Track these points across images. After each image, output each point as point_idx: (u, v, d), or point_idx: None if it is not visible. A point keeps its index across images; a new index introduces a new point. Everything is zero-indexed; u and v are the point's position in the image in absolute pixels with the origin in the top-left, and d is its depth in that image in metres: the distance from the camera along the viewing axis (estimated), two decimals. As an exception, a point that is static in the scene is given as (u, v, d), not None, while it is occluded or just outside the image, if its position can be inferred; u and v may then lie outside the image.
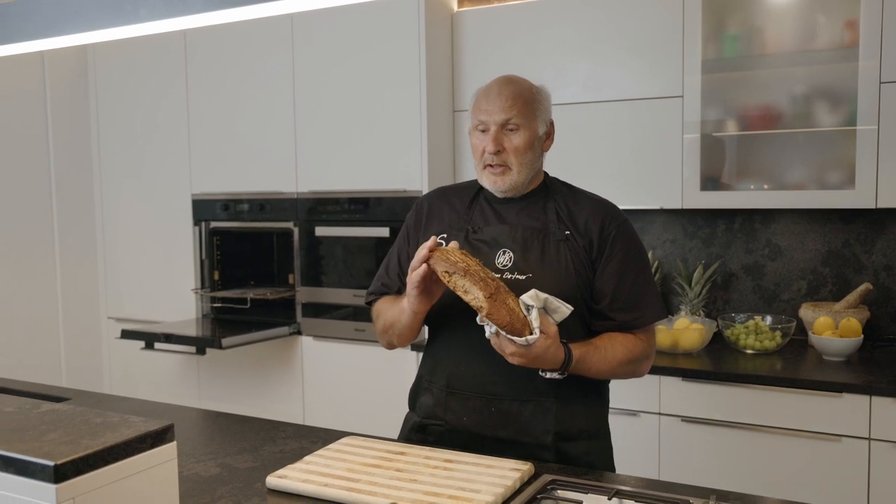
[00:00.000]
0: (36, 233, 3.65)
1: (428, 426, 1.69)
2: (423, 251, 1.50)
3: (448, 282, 1.47)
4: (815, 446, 2.34)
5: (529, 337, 1.44)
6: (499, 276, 1.59)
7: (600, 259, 1.63)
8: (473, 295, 1.44)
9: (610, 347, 1.59)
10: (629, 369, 1.64)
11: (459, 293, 1.46)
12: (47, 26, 1.45)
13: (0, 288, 3.48)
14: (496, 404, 1.61)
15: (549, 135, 1.72)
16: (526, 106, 1.64)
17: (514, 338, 1.44)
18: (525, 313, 1.45)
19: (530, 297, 1.45)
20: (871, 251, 2.82)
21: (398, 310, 1.64)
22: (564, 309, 1.50)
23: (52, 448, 1.00)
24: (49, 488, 0.95)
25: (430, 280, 1.53)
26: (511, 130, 1.64)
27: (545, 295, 1.48)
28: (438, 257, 1.48)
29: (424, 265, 1.50)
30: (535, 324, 1.44)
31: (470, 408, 1.63)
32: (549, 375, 1.54)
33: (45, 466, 0.95)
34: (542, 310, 1.49)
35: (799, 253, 2.93)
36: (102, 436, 1.05)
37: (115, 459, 1.02)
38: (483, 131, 1.66)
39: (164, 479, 1.10)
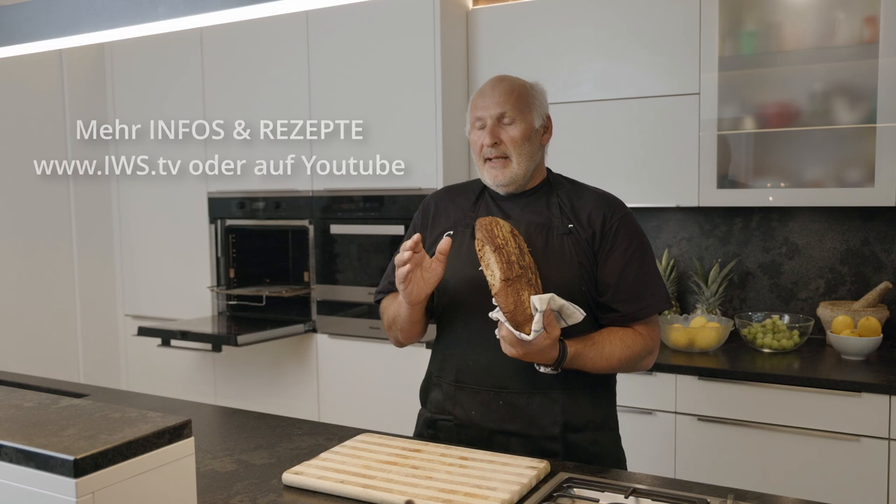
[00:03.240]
0: (54, 231, 3.68)
1: (438, 421, 1.71)
2: (405, 254, 1.53)
3: (479, 250, 1.50)
4: (834, 446, 2.32)
5: (524, 335, 1.45)
6: None
7: (603, 251, 1.65)
8: (492, 272, 1.47)
9: (608, 344, 1.60)
10: (629, 365, 1.65)
11: (482, 265, 1.49)
12: (66, 25, 1.45)
13: (19, 285, 3.51)
14: (504, 397, 1.63)
15: (547, 129, 1.74)
16: (519, 100, 1.67)
17: (511, 328, 1.45)
18: (532, 312, 1.46)
19: (542, 299, 1.45)
20: (890, 250, 2.79)
21: (398, 304, 1.68)
22: (578, 315, 1.51)
23: (71, 443, 1.00)
24: (69, 482, 0.96)
25: (418, 273, 1.56)
26: (507, 124, 1.67)
27: (562, 301, 1.48)
28: (485, 224, 1.51)
29: (408, 265, 1.53)
30: (536, 327, 1.44)
31: (478, 401, 1.65)
32: (542, 370, 1.56)
33: (64, 461, 0.96)
34: (557, 313, 1.49)
35: (817, 251, 2.90)
36: (121, 431, 1.05)
37: (134, 454, 1.03)
38: (481, 128, 1.69)
39: (182, 475, 1.11)
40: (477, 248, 1.51)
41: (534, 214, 1.68)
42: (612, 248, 1.64)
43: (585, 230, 1.65)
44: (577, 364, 1.56)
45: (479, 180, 1.78)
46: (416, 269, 1.55)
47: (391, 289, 1.80)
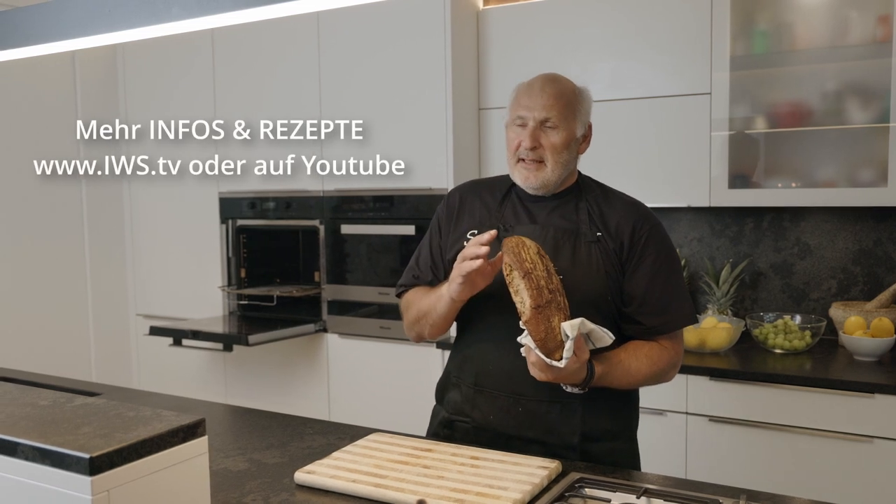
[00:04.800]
0: (66, 231, 3.70)
1: (455, 422, 1.70)
2: (481, 249, 1.48)
3: (507, 274, 1.47)
4: (846, 447, 2.31)
5: (554, 362, 1.43)
6: None
7: (631, 262, 1.62)
8: (521, 298, 1.43)
9: (634, 361, 1.58)
10: (653, 380, 1.63)
11: (511, 290, 1.46)
12: (80, 26, 1.46)
13: (31, 285, 3.53)
14: (524, 404, 1.61)
15: (587, 137, 1.71)
16: (567, 107, 1.63)
17: (541, 354, 1.43)
18: (563, 339, 1.44)
19: (572, 325, 1.42)
20: (903, 250, 2.77)
21: (435, 297, 1.65)
22: (607, 339, 1.49)
23: (87, 441, 1.01)
24: (84, 480, 0.96)
25: (476, 272, 1.52)
26: (550, 128, 1.63)
27: (592, 326, 1.46)
28: (511, 247, 1.47)
29: (480, 260, 1.48)
30: (567, 355, 1.42)
31: (497, 406, 1.63)
32: (569, 389, 1.55)
33: (80, 459, 0.97)
34: (586, 336, 1.48)
35: (829, 252, 2.89)
36: (136, 429, 1.06)
37: (149, 453, 1.03)
38: (520, 125, 1.65)
39: (196, 473, 1.12)
40: (504, 273, 1.48)
41: (561, 219, 1.66)
42: (640, 260, 1.62)
43: (613, 240, 1.62)
44: (603, 383, 1.55)
45: (506, 177, 1.74)
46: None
47: (415, 283, 1.78)
